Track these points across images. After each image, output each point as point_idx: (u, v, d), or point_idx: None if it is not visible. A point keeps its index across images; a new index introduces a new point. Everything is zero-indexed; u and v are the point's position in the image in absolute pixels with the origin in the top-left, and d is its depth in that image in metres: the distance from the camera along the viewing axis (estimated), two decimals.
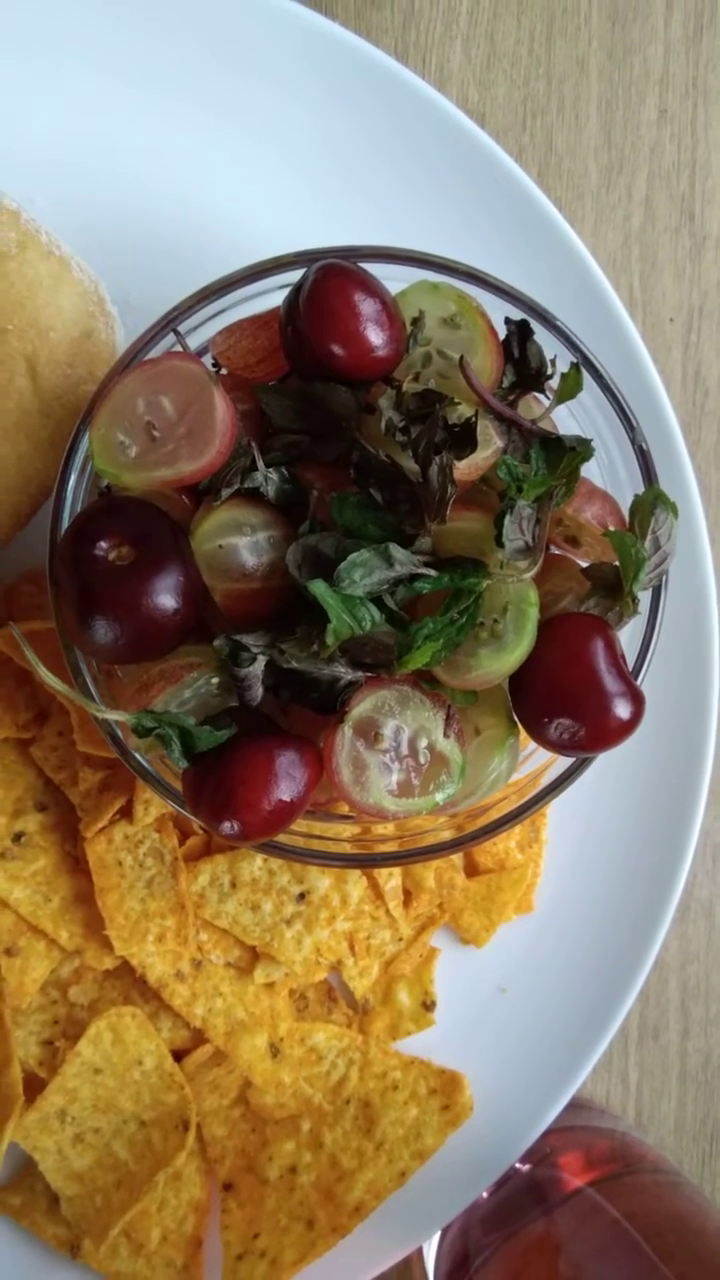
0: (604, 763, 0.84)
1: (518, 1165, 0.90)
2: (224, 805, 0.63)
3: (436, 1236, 0.91)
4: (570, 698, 0.66)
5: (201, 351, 0.74)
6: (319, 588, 0.62)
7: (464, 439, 0.64)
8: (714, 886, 0.99)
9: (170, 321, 0.71)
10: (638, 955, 0.88)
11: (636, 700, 0.67)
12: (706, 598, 0.89)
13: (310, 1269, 0.83)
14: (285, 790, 0.64)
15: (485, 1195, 0.89)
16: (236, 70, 0.86)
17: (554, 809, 0.90)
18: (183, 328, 0.72)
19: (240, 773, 0.64)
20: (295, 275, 0.69)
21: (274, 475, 0.67)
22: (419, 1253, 0.91)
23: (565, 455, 0.69)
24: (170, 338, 0.72)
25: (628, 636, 0.74)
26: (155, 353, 0.72)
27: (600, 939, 0.89)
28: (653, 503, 0.69)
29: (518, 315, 0.72)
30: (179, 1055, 0.83)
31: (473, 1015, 0.89)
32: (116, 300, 0.81)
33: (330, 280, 0.66)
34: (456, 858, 0.88)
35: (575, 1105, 0.98)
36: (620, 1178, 0.91)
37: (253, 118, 0.87)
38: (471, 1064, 0.88)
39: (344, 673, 0.65)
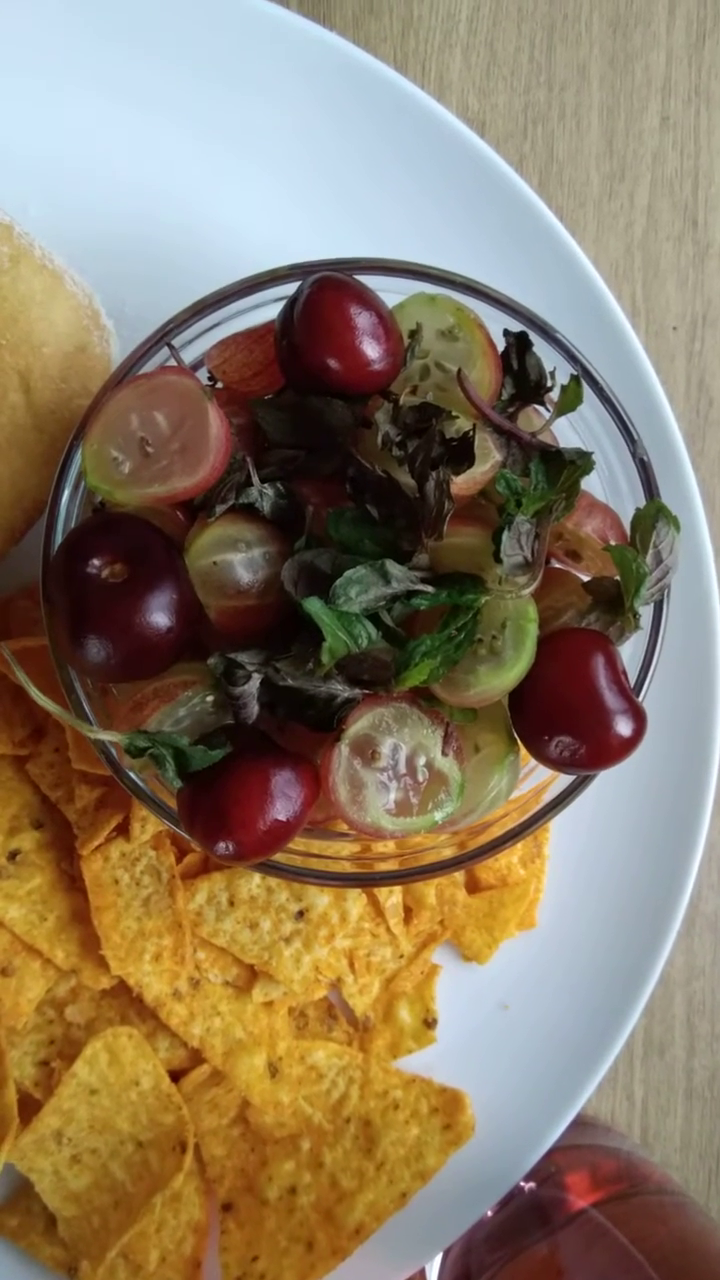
0: (608, 778, 0.83)
1: (522, 1184, 0.89)
2: (219, 825, 0.63)
3: (439, 1257, 0.90)
4: (571, 715, 0.66)
5: (196, 365, 0.73)
6: (314, 605, 0.61)
7: (461, 453, 0.63)
8: None
9: (164, 335, 0.70)
10: (642, 971, 0.87)
11: (638, 717, 0.66)
12: (710, 611, 0.88)
13: None
14: (281, 810, 0.63)
15: (489, 1214, 0.88)
16: (234, 80, 0.85)
17: (557, 824, 0.89)
18: (177, 341, 0.71)
19: (235, 792, 0.63)
20: (291, 288, 0.68)
21: (269, 490, 0.66)
22: (421, 1274, 0.90)
23: (565, 469, 0.68)
24: (165, 352, 0.71)
25: (629, 652, 0.73)
26: (150, 367, 0.71)
27: (604, 955, 0.88)
28: (654, 516, 0.68)
29: (517, 327, 0.71)
30: (176, 1075, 0.82)
31: (475, 1032, 0.88)
32: (113, 311, 0.80)
33: (325, 293, 0.65)
34: (458, 874, 0.87)
35: (580, 1123, 0.96)
36: (626, 1198, 0.90)
37: (250, 127, 0.86)
38: (474, 1082, 0.87)
39: (341, 690, 0.64)
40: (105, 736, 0.64)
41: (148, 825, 0.80)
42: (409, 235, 0.87)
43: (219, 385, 0.72)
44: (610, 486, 0.75)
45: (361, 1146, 0.84)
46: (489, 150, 0.85)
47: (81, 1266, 0.80)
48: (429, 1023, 0.87)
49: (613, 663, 0.66)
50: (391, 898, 0.84)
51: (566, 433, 0.75)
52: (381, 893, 0.84)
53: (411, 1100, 0.85)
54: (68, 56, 0.83)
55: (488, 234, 0.87)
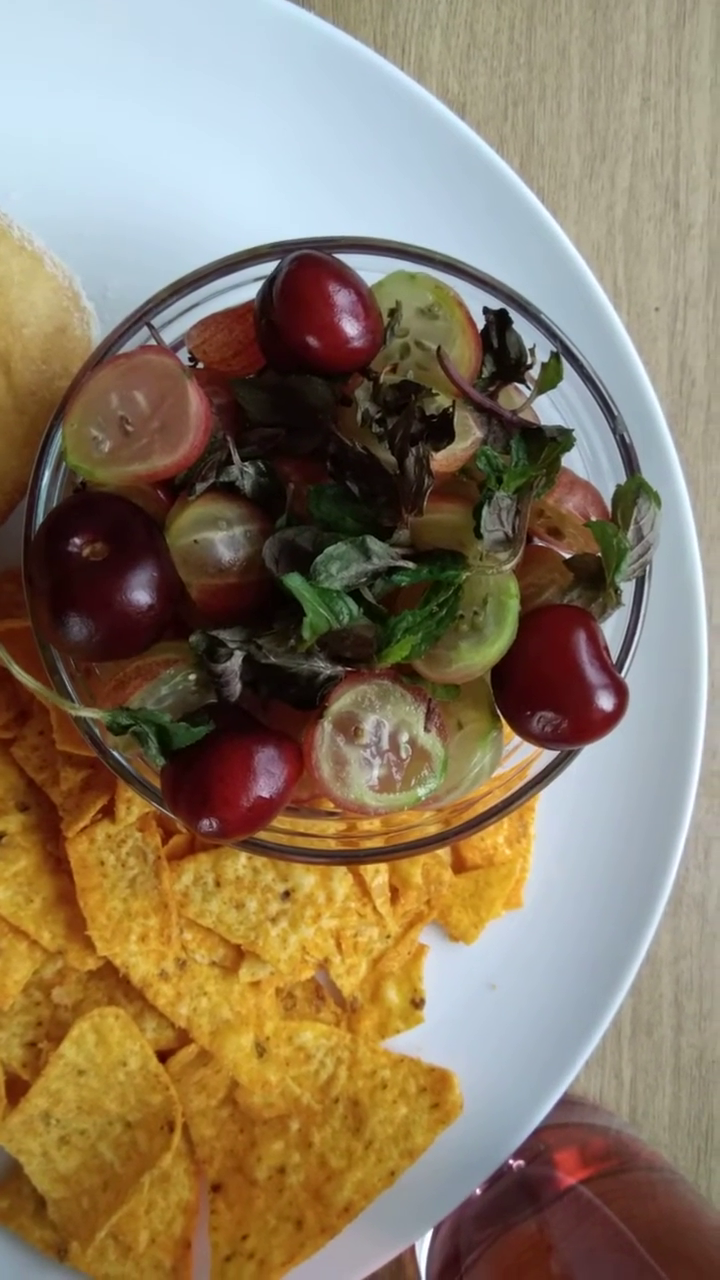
0: (593, 757, 0.84)
1: (511, 1162, 0.89)
2: (202, 802, 0.63)
3: (429, 1235, 0.90)
4: (552, 690, 0.66)
5: (177, 346, 0.73)
6: (295, 581, 0.61)
7: (441, 430, 0.63)
8: (706, 880, 0.99)
9: (144, 315, 0.70)
10: (628, 950, 0.88)
11: (620, 692, 0.66)
12: (694, 589, 0.88)
13: (302, 1269, 0.83)
14: (264, 787, 0.63)
15: (478, 1192, 0.88)
16: (216, 63, 0.85)
17: (542, 804, 0.90)
18: (158, 322, 0.71)
19: (218, 770, 0.63)
20: (270, 267, 0.68)
21: (250, 469, 0.66)
22: (411, 1251, 0.90)
23: (546, 445, 0.68)
24: (145, 332, 0.71)
25: (612, 629, 0.73)
26: (130, 347, 0.71)
27: (590, 934, 0.88)
28: (635, 492, 0.68)
29: (496, 305, 0.71)
30: (164, 1055, 0.83)
31: (462, 1012, 0.88)
32: (95, 294, 0.80)
33: (304, 271, 0.65)
34: (444, 854, 0.88)
35: (569, 1102, 0.97)
36: (615, 1175, 0.90)
37: (232, 110, 0.86)
38: (461, 1061, 0.87)
39: (323, 667, 0.64)
40: (87, 714, 0.64)
41: (133, 807, 0.80)
42: (392, 218, 0.87)
43: (200, 365, 0.72)
44: (592, 465, 0.76)
45: (350, 1126, 0.84)
46: (470, 132, 0.86)
47: (71, 1248, 0.81)
48: (416, 1003, 0.87)
49: (594, 638, 0.67)
50: (378, 878, 0.84)
51: (548, 411, 0.75)
52: (368, 873, 0.84)
53: (399, 1080, 0.85)
54: (49, 41, 0.83)
55: (470, 216, 0.87)
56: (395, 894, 0.86)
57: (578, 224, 0.96)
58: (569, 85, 0.96)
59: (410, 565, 0.64)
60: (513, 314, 0.70)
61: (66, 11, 0.83)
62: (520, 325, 0.71)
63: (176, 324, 0.72)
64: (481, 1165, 0.86)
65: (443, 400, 0.65)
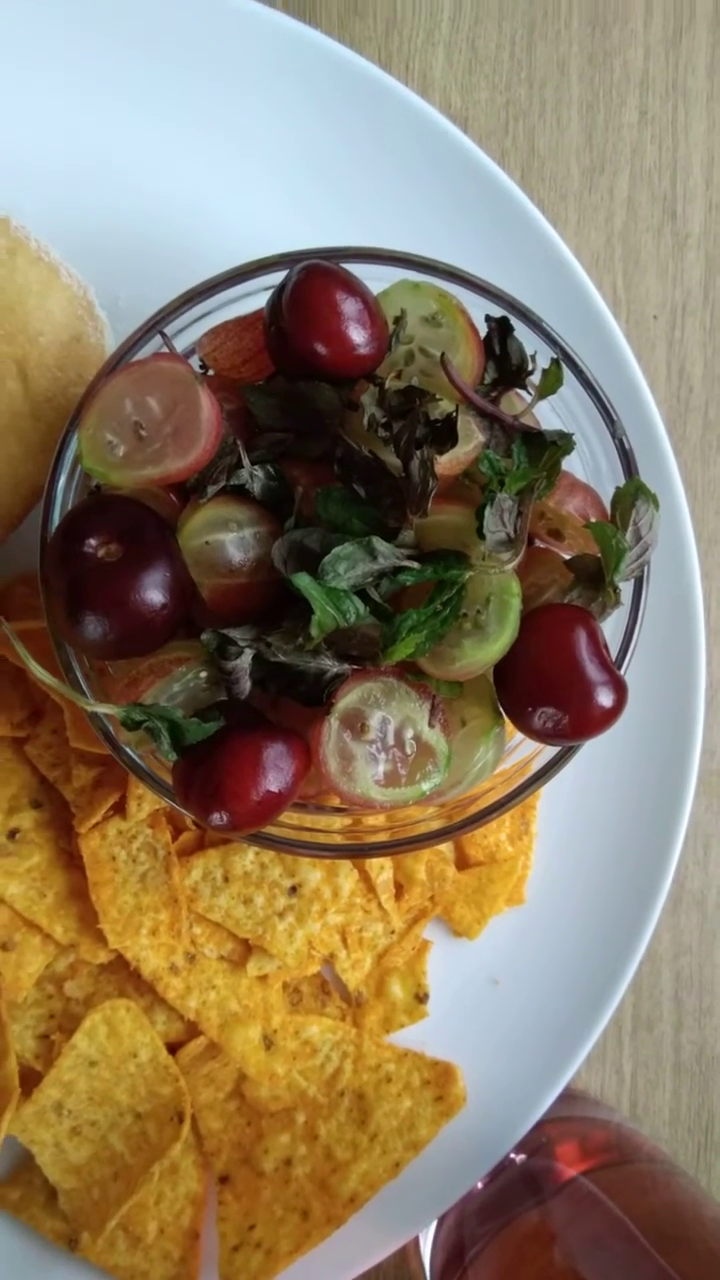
0: (593, 757, 0.86)
1: (513, 1155, 0.90)
2: (212, 797, 0.64)
3: (433, 1227, 0.92)
4: (553, 687, 0.67)
5: (189, 353, 0.75)
6: (303, 580, 0.63)
7: (445, 434, 0.65)
8: (705, 877, 1.00)
9: (156, 324, 0.72)
10: (628, 946, 0.89)
11: (619, 688, 0.68)
12: (693, 592, 0.90)
13: (309, 1260, 0.84)
14: (273, 781, 0.65)
15: (480, 1186, 0.90)
16: (223, 78, 0.87)
17: (544, 802, 0.91)
18: (169, 330, 0.73)
19: (228, 765, 0.64)
20: (279, 277, 0.70)
21: (259, 472, 0.68)
22: (415, 1243, 0.92)
23: (547, 449, 0.70)
24: (157, 340, 0.73)
25: (612, 629, 0.75)
26: (143, 355, 0.73)
27: (591, 930, 0.90)
28: (634, 494, 0.70)
29: (498, 312, 0.73)
30: (174, 1048, 0.84)
31: (465, 1007, 0.90)
32: (106, 304, 0.82)
33: (312, 280, 0.67)
34: (447, 851, 0.89)
35: (571, 1097, 0.98)
36: (616, 1167, 0.91)
37: (239, 125, 0.88)
38: (464, 1055, 0.89)
39: (330, 665, 0.66)
40: (102, 709, 0.66)
41: (144, 804, 0.82)
42: (398, 229, 0.89)
43: (211, 372, 0.73)
44: (592, 469, 0.77)
45: (355, 1119, 0.85)
46: (472, 146, 0.88)
47: (82, 1238, 0.82)
48: (420, 997, 0.89)
49: (594, 636, 0.68)
50: (382, 874, 0.86)
51: (549, 417, 0.77)
52: (373, 869, 0.86)
53: (404, 1073, 0.87)
54: (59, 56, 0.85)
55: (473, 228, 0.89)
56: (400, 890, 0.88)
57: (578, 234, 0.98)
58: (568, 100, 0.98)
59: (415, 565, 0.66)
60: (514, 321, 0.72)
61: (82, 28, 0.85)
62: (521, 332, 0.73)
63: (188, 332, 0.74)
64: (484, 1158, 0.87)
65: (446, 405, 0.67)
